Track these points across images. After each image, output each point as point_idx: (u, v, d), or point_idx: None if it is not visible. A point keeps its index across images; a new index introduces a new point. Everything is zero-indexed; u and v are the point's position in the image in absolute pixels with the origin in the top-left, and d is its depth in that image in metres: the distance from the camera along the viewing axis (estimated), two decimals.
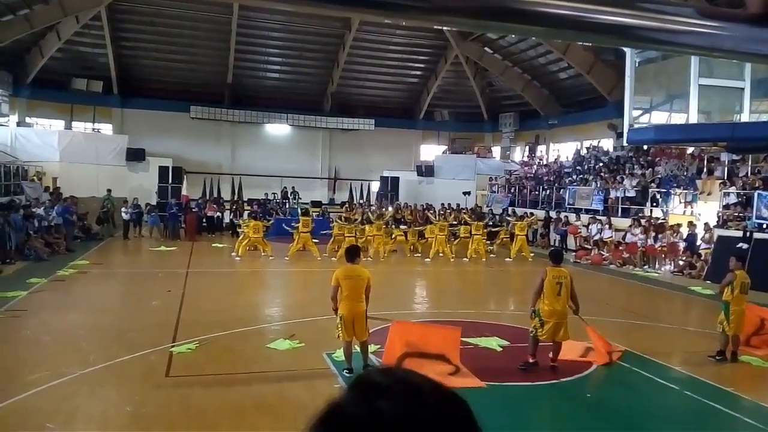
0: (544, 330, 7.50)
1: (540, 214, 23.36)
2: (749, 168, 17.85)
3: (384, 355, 7.40)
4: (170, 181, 24.59)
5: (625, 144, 20.07)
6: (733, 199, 17.21)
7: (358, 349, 7.31)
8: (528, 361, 7.59)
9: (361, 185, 30.85)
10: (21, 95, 26.61)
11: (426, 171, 31.06)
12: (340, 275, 7.13)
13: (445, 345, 7.37)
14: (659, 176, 20.34)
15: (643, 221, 18.63)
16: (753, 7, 1.99)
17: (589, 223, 20.37)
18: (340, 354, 7.49)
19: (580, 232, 20.44)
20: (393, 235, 19.39)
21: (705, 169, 19.49)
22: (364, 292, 7.18)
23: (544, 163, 30.25)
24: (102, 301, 11.51)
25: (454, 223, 21.61)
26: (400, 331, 7.44)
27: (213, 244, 20.43)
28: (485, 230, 19.67)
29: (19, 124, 26.04)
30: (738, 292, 8.20)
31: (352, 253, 7.45)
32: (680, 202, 19.04)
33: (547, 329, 7.47)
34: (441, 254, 18.53)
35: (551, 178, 26.42)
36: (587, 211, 21.41)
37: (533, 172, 29.04)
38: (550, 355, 7.68)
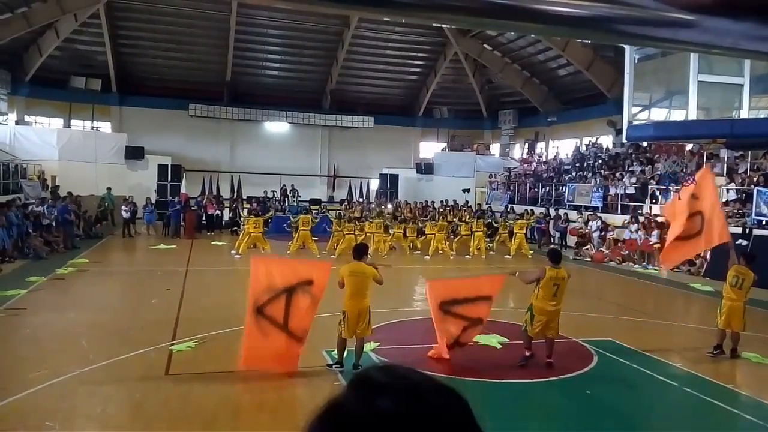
0: (534, 326, 7.51)
1: (538, 211, 23.33)
2: (749, 164, 17.83)
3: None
4: (169, 179, 24.62)
5: (624, 141, 20.05)
6: (732, 195, 17.22)
7: (353, 347, 7.31)
8: (525, 355, 7.60)
9: (361, 183, 30.82)
10: (20, 93, 26.58)
11: (425, 168, 31.06)
12: (345, 272, 7.16)
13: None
14: (658, 173, 20.33)
15: (640, 218, 18.63)
16: None
17: (588, 220, 20.36)
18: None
19: (581, 229, 20.43)
20: (391, 232, 19.37)
21: (704, 166, 19.46)
22: (368, 288, 7.20)
23: (544, 160, 30.23)
24: (101, 300, 11.50)
25: (453, 220, 21.63)
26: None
27: (212, 242, 20.42)
28: (485, 228, 19.67)
29: (17, 123, 26.03)
30: (728, 286, 8.33)
31: (360, 251, 7.48)
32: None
33: (537, 325, 7.51)
34: (440, 252, 18.54)
35: (551, 175, 26.42)
36: (586, 208, 21.41)
37: (532, 169, 29.04)
38: (546, 353, 7.68)
